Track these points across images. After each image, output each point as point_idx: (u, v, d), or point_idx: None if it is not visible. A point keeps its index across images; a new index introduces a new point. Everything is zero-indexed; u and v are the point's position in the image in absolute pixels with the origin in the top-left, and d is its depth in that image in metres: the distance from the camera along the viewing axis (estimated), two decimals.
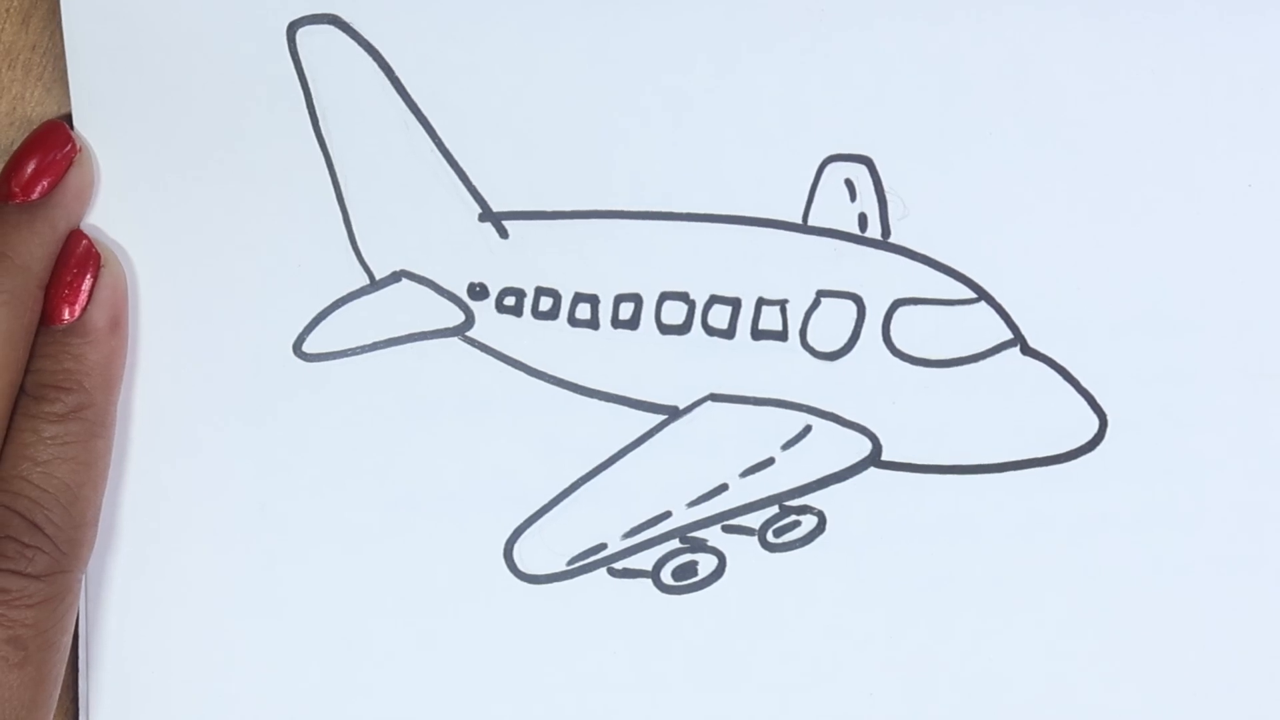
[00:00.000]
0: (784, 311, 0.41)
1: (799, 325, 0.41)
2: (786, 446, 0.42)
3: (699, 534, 0.42)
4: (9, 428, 0.39)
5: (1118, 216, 0.41)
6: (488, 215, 0.41)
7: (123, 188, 0.41)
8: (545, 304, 0.41)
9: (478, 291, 0.42)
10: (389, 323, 0.41)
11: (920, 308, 0.41)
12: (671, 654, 0.42)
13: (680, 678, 0.42)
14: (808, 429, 0.41)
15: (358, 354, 0.41)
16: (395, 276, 0.41)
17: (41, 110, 0.42)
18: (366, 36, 0.41)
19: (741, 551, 0.42)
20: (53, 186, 0.39)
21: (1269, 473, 0.41)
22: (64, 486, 0.39)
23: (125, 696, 0.42)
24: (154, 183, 0.41)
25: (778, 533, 0.42)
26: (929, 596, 0.42)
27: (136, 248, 0.41)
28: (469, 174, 0.41)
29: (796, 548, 0.42)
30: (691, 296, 0.41)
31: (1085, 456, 0.41)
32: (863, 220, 0.41)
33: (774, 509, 0.42)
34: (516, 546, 0.42)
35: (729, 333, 0.41)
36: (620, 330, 0.41)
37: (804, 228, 0.41)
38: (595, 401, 0.42)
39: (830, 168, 0.41)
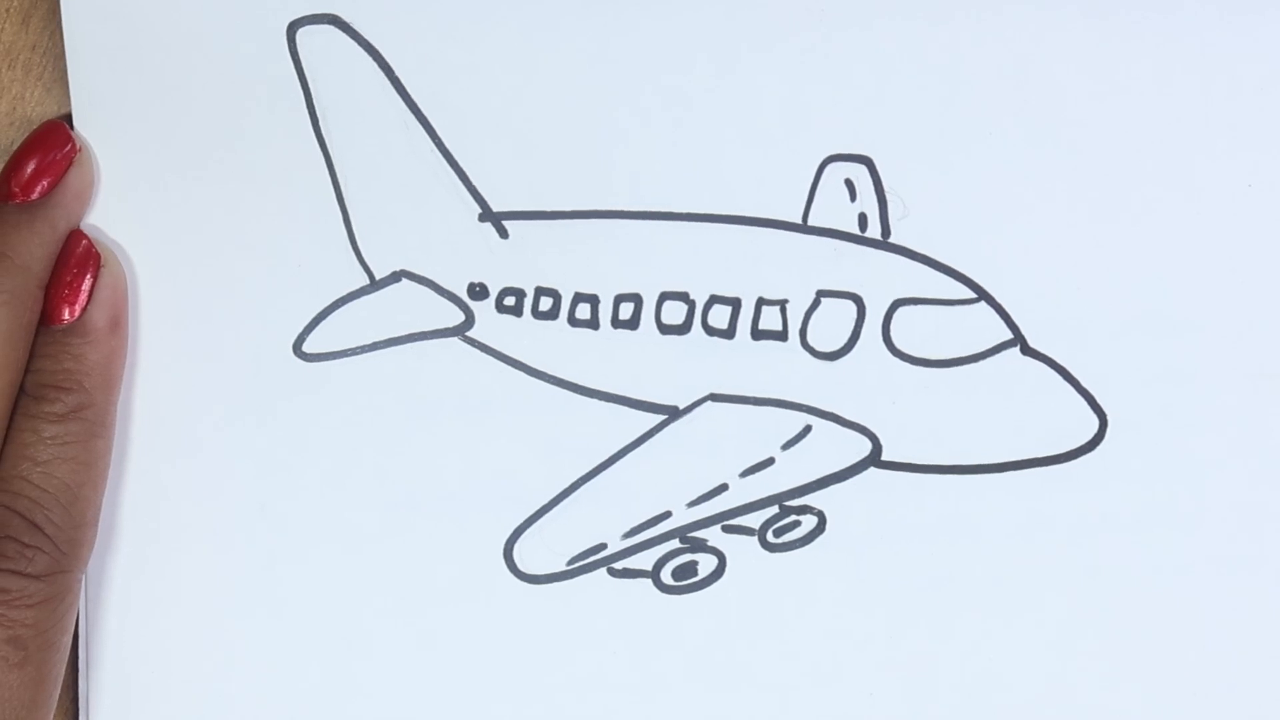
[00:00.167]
0: (784, 311, 0.41)
1: (799, 325, 0.41)
2: (786, 446, 0.42)
3: (699, 534, 0.42)
4: (9, 428, 0.39)
5: (1118, 216, 0.41)
6: (488, 215, 0.41)
7: (123, 188, 0.41)
8: (545, 304, 0.41)
9: (478, 291, 0.42)
10: (389, 323, 0.41)
11: (920, 308, 0.41)
12: (671, 654, 0.42)
13: (680, 678, 0.42)
14: (808, 429, 0.41)
15: (358, 354, 0.41)
16: (395, 276, 0.41)
17: (41, 110, 0.42)
18: (366, 36, 0.41)
19: (741, 551, 0.42)
20: (53, 186, 0.39)
21: (1269, 473, 0.41)
22: (64, 486, 0.39)
23: (125, 696, 0.42)
24: (154, 183, 0.41)
25: (778, 533, 0.42)
26: (929, 596, 0.42)
27: (136, 248, 0.41)
28: (469, 174, 0.41)
29: (796, 548, 0.42)
30: (691, 296, 0.41)
31: (1085, 456, 0.41)
32: (863, 220, 0.41)
33: (774, 509, 0.42)
34: (516, 546, 0.42)
35: (729, 333, 0.41)
36: (620, 330, 0.41)
37: (804, 228, 0.41)
38: (595, 401, 0.42)
39: (830, 168, 0.41)
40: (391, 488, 0.42)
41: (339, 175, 0.41)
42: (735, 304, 0.41)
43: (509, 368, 0.42)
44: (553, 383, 0.42)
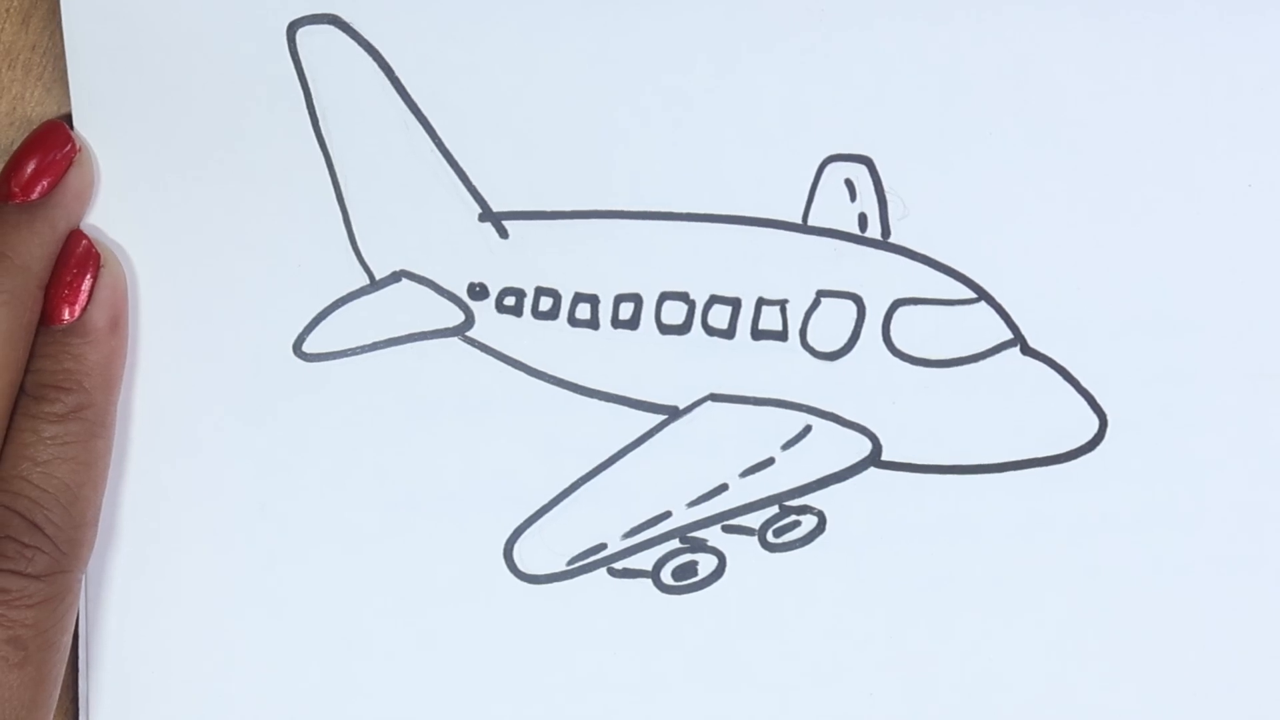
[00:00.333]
0: (784, 311, 0.41)
1: (799, 325, 0.41)
2: (786, 446, 0.42)
3: (699, 534, 0.42)
4: (9, 428, 0.39)
5: (1118, 216, 0.41)
6: (488, 215, 0.41)
7: (123, 188, 0.41)
8: (545, 304, 0.41)
9: (478, 291, 0.42)
10: (389, 323, 0.41)
11: (920, 308, 0.41)
12: (671, 654, 0.42)
13: (680, 678, 0.42)
14: (808, 429, 0.41)
15: (358, 354, 0.41)
16: (395, 276, 0.41)
17: (41, 110, 0.42)
18: (366, 36, 0.41)
19: (741, 551, 0.42)
20: (52, 186, 0.39)
21: (1269, 473, 0.41)
22: (64, 486, 0.39)
23: (125, 696, 0.42)
24: (154, 183, 0.41)
25: (778, 533, 0.42)
26: (929, 596, 0.42)
27: (136, 248, 0.41)
28: (469, 174, 0.41)
29: (796, 548, 0.42)
30: (691, 296, 0.41)
31: (1085, 456, 0.41)
32: (863, 220, 0.41)
33: (774, 509, 0.42)
34: (516, 546, 0.42)
35: (729, 333, 0.41)
36: (620, 330, 0.41)
37: (804, 228, 0.41)
38: (595, 401, 0.42)
39: (830, 168, 0.41)
40: (391, 488, 0.42)
41: (339, 175, 0.41)
42: (735, 304, 0.41)
43: (509, 368, 0.42)
44: (553, 383, 0.42)
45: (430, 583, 0.42)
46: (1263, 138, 0.41)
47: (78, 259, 0.40)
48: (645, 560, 0.42)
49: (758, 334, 0.41)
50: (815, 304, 0.41)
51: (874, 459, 0.42)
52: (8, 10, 0.42)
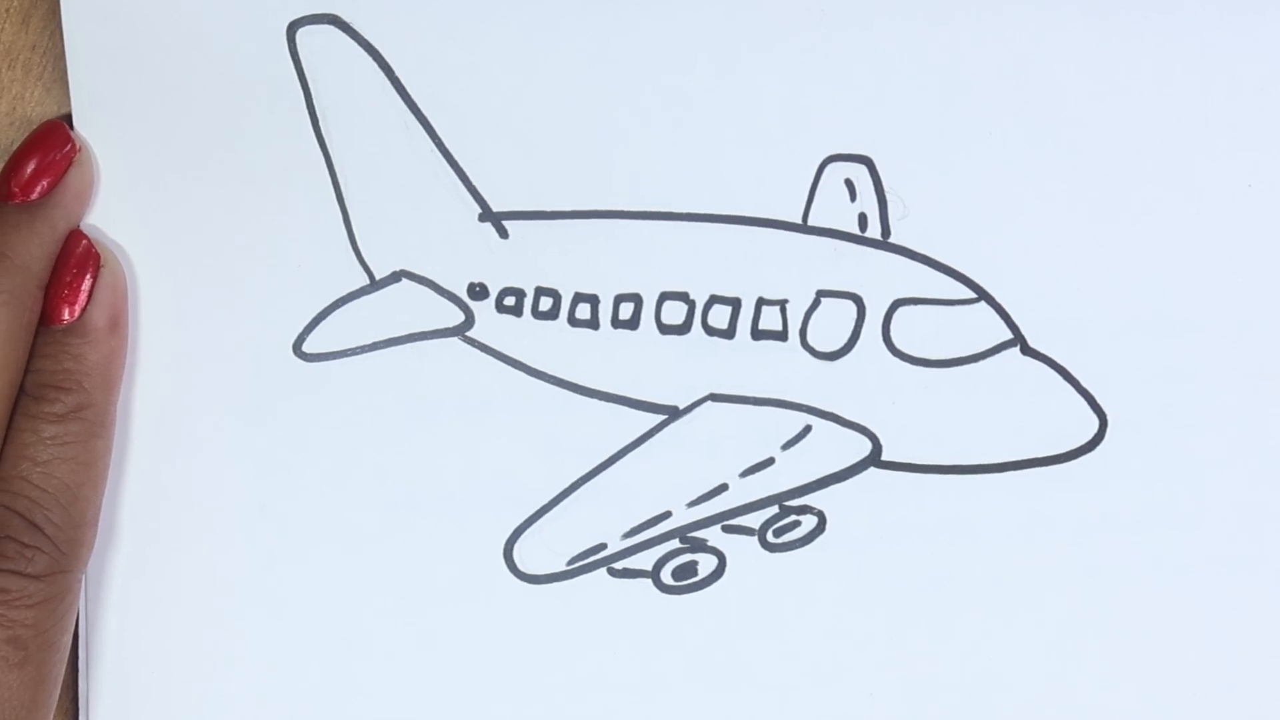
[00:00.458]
0: (784, 311, 0.41)
1: (799, 325, 0.41)
2: (786, 446, 0.42)
3: (699, 534, 0.42)
4: (9, 428, 0.39)
5: (1118, 216, 0.41)
6: (488, 215, 0.41)
7: (123, 188, 0.41)
8: (545, 304, 0.41)
9: (478, 291, 0.41)
10: (389, 323, 0.41)
11: (920, 308, 0.41)
12: (671, 654, 0.42)
13: (680, 678, 0.42)
14: (808, 429, 0.41)
15: (358, 354, 0.41)
16: (395, 276, 0.41)
17: (41, 110, 0.42)
18: (366, 36, 0.41)
19: (741, 551, 0.42)
20: (52, 186, 0.39)
21: (1269, 473, 0.41)
22: (64, 486, 0.39)
23: (125, 696, 0.42)
24: (154, 183, 0.41)
25: (778, 533, 0.42)
26: (929, 596, 0.42)
27: (136, 248, 0.41)
28: (469, 174, 0.41)
29: (796, 548, 0.42)
30: (691, 296, 0.41)
31: (1085, 456, 0.41)
32: (863, 220, 0.41)
33: (774, 509, 0.42)
34: (516, 546, 0.42)
35: (729, 333, 0.41)
36: (620, 330, 0.41)
37: (804, 228, 0.41)
38: (595, 401, 0.42)
39: (830, 168, 0.41)
40: (391, 488, 0.42)
41: (339, 175, 0.41)
42: (735, 304, 0.41)
43: (509, 368, 0.42)
44: (553, 383, 0.42)
45: (430, 583, 0.42)
46: (1263, 138, 0.41)
47: (77, 259, 0.40)
48: (645, 560, 0.42)
49: (758, 334, 0.41)
50: (815, 304, 0.41)
51: (874, 459, 0.42)
52: (8, 10, 0.42)
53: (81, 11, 0.40)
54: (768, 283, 0.41)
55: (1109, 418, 0.41)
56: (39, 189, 0.39)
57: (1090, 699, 0.42)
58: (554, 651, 0.42)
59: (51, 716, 0.39)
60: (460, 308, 0.41)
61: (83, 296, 0.39)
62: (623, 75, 0.41)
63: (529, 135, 0.41)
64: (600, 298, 0.41)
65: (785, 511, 0.42)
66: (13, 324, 0.38)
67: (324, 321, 0.41)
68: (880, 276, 0.41)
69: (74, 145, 0.40)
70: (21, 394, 0.39)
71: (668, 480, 0.42)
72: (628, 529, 0.42)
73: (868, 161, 0.41)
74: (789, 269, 0.41)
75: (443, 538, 0.42)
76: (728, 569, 0.42)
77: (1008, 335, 0.41)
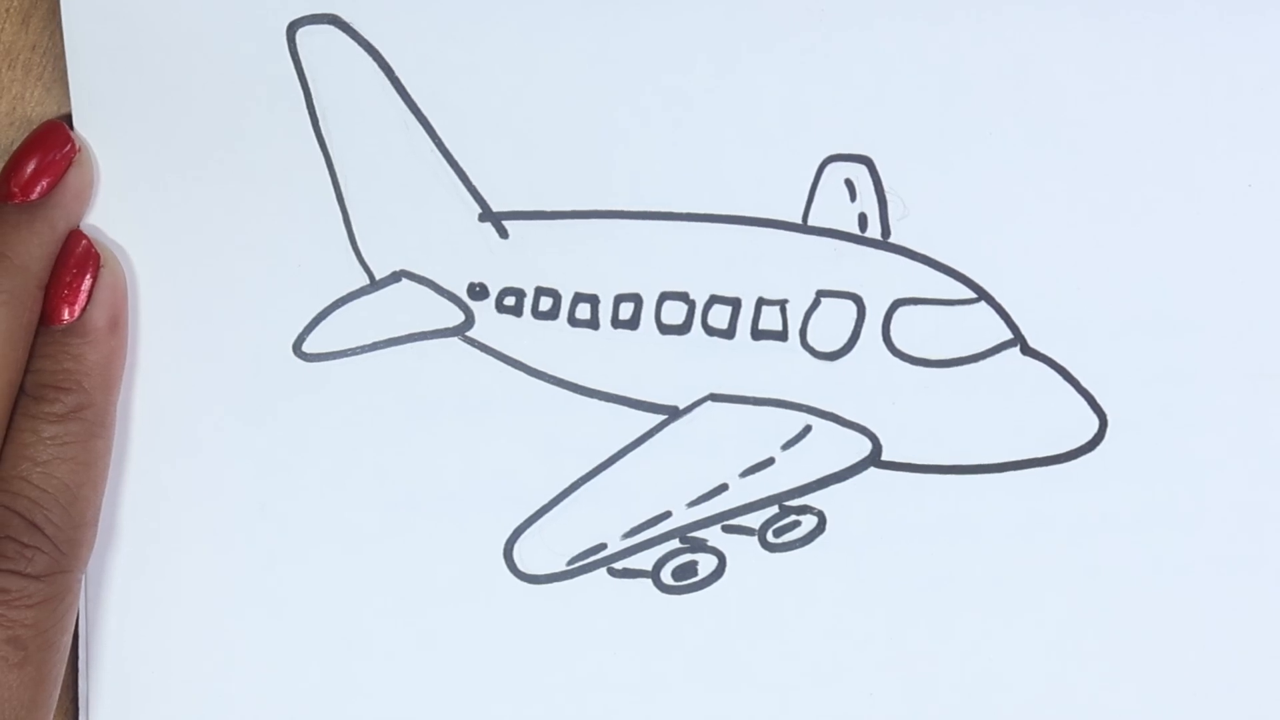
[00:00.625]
0: (784, 311, 0.41)
1: (799, 325, 0.41)
2: (786, 446, 0.42)
3: (699, 534, 0.42)
4: (9, 428, 0.39)
5: (1118, 216, 0.41)
6: (488, 215, 0.41)
7: (123, 188, 0.41)
8: (545, 304, 0.41)
9: (478, 291, 0.41)
10: (389, 323, 0.41)
11: (920, 308, 0.41)
12: (671, 654, 0.42)
13: (680, 678, 0.42)
14: (808, 429, 0.41)
15: (358, 354, 0.41)
16: (395, 276, 0.41)
17: (41, 110, 0.42)
18: (366, 36, 0.41)
19: (741, 551, 0.42)
20: (52, 186, 0.39)
21: (1269, 473, 0.41)
22: (63, 487, 0.39)
23: (125, 696, 0.42)
24: (154, 183, 0.41)
25: (778, 533, 0.42)
26: (929, 596, 0.42)
27: (136, 248, 0.41)
28: (469, 174, 0.41)
29: (796, 548, 0.42)
30: (691, 296, 0.41)
31: (1085, 456, 0.41)
32: (863, 220, 0.41)
33: (774, 509, 0.42)
34: (516, 546, 0.42)
35: (729, 333, 0.41)
36: (620, 330, 0.41)
37: (804, 228, 0.41)
38: (595, 401, 0.42)
39: (830, 168, 0.41)
40: (391, 488, 0.42)
41: (339, 175, 0.41)
42: (735, 304, 0.41)
43: (509, 368, 0.42)
44: (553, 383, 0.42)
45: (430, 583, 0.42)
46: (1263, 138, 0.41)
47: (77, 259, 0.40)
48: (645, 560, 0.42)
49: (758, 334, 0.41)
50: (815, 304, 0.41)
51: (874, 459, 0.42)
52: (8, 10, 0.42)
53: (81, 11, 0.40)
54: (768, 283, 0.41)
55: (1109, 418, 0.41)
56: (39, 189, 0.39)
57: (1090, 699, 0.42)
58: (554, 651, 0.42)
59: (51, 716, 0.39)
60: (460, 308, 0.41)
61: (82, 296, 0.39)
62: (623, 75, 0.41)
63: (529, 135, 0.41)
64: (600, 298, 0.41)
65: (785, 511, 0.42)
66: (12, 324, 0.38)
67: (324, 321, 0.41)
68: (880, 276, 0.41)
69: (74, 145, 0.40)
70: (21, 394, 0.39)
71: (668, 480, 0.42)
72: (628, 529, 0.42)
73: (868, 161, 0.41)
74: (789, 269, 0.41)
75: (443, 538, 0.42)
76: (728, 569, 0.42)
77: (1008, 335, 0.41)
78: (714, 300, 0.41)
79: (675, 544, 0.42)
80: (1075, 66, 0.41)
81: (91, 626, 0.42)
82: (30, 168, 0.39)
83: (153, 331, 0.41)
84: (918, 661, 0.42)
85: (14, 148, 0.40)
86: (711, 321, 0.41)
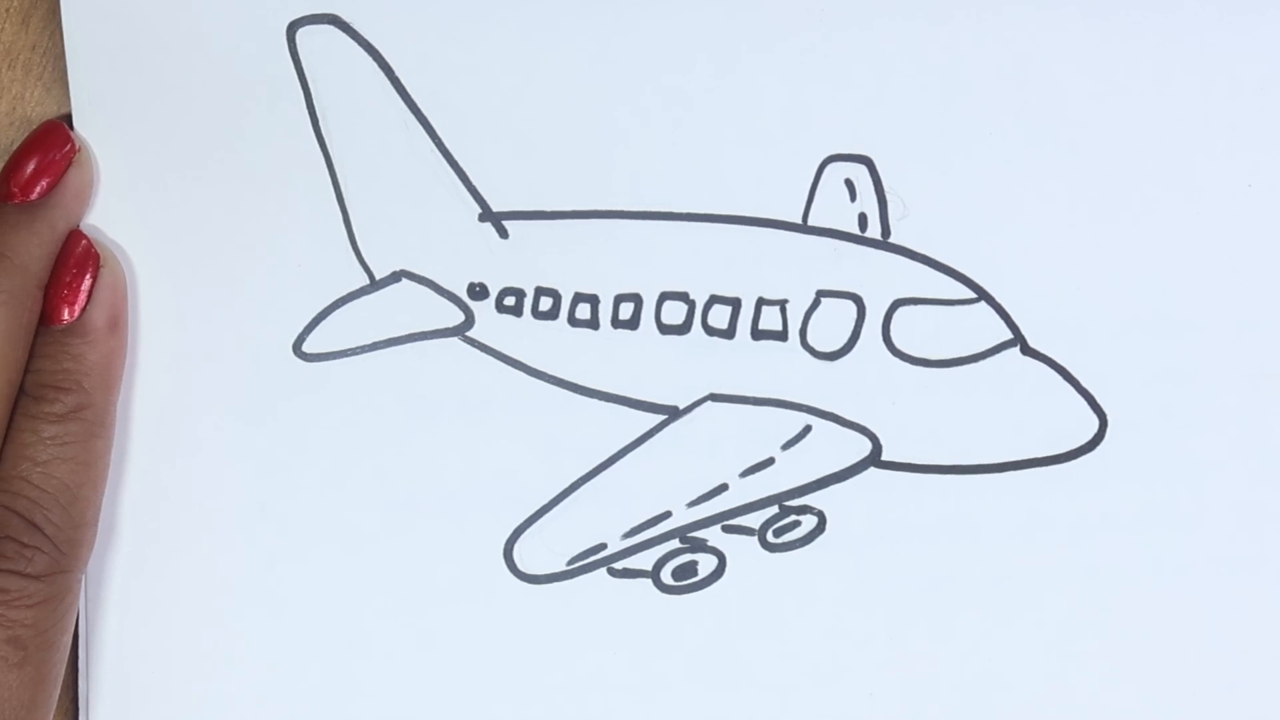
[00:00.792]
0: (784, 311, 0.41)
1: (799, 325, 0.41)
2: (786, 446, 0.42)
3: (699, 534, 0.42)
4: (8, 428, 0.39)
5: (1118, 216, 0.41)
6: (488, 215, 0.41)
7: (123, 188, 0.41)
8: (545, 304, 0.41)
9: (478, 291, 0.41)
10: (389, 323, 0.41)
11: (920, 308, 0.41)
12: (671, 654, 0.42)
13: (680, 678, 0.42)
14: (808, 429, 0.41)
15: (358, 354, 0.41)
16: (395, 276, 0.41)
17: (41, 110, 0.42)
18: (366, 36, 0.41)
19: (741, 551, 0.42)
20: (52, 186, 0.39)
21: (1269, 473, 0.41)
22: (63, 487, 0.39)
23: (125, 696, 0.42)
24: (154, 183, 0.41)
25: (778, 533, 0.42)
26: (929, 596, 0.42)
27: (136, 248, 0.41)
28: (469, 174, 0.41)
29: (796, 548, 0.42)
30: (691, 296, 0.41)
31: (1085, 456, 0.41)
32: (863, 220, 0.41)
33: (774, 509, 0.42)
34: (516, 546, 0.42)
35: (729, 333, 0.41)
36: (620, 330, 0.41)
37: (804, 228, 0.41)
38: (595, 401, 0.42)
39: (830, 168, 0.41)
40: (391, 488, 0.42)
41: (339, 175, 0.41)
42: (735, 304, 0.41)
43: (509, 368, 0.42)
44: (553, 383, 0.42)
45: (430, 583, 0.42)
46: (1263, 138, 0.41)
47: (77, 259, 0.40)
48: (645, 560, 0.42)
49: (758, 334, 0.41)
50: (815, 304, 0.41)
51: (874, 459, 0.42)
52: (8, 10, 0.42)
53: (81, 11, 0.40)
54: (768, 283, 0.41)
55: (1109, 418, 0.41)
56: (38, 189, 0.39)
57: (1090, 699, 0.42)
58: (554, 651, 0.42)
59: (51, 716, 0.39)
60: (460, 308, 0.41)
61: (82, 296, 0.39)
62: (623, 75, 0.41)
63: (529, 135, 0.41)
64: (600, 298, 0.41)
65: (785, 511, 0.42)
66: (12, 324, 0.38)
67: (324, 321, 0.41)
68: (880, 276, 0.41)
69: (73, 145, 0.40)
70: (21, 394, 0.39)
71: (668, 480, 0.42)
72: (628, 529, 0.42)
73: (868, 161, 0.41)
74: (789, 269, 0.41)
75: (443, 538, 0.42)
76: (728, 569, 0.42)
77: (1008, 335, 0.41)
78: (714, 300, 0.41)
79: (675, 544, 0.42)
80: (1075, 66, 0.41)
81: (91, 626, 0.42)
82: (30, 168, 0.39)
83: (153, 331, 0.41)
84: (918, 661, 0.42)
85: (14, 148, 0.40)
86: (711, 321, 0.41)
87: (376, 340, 0.41)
